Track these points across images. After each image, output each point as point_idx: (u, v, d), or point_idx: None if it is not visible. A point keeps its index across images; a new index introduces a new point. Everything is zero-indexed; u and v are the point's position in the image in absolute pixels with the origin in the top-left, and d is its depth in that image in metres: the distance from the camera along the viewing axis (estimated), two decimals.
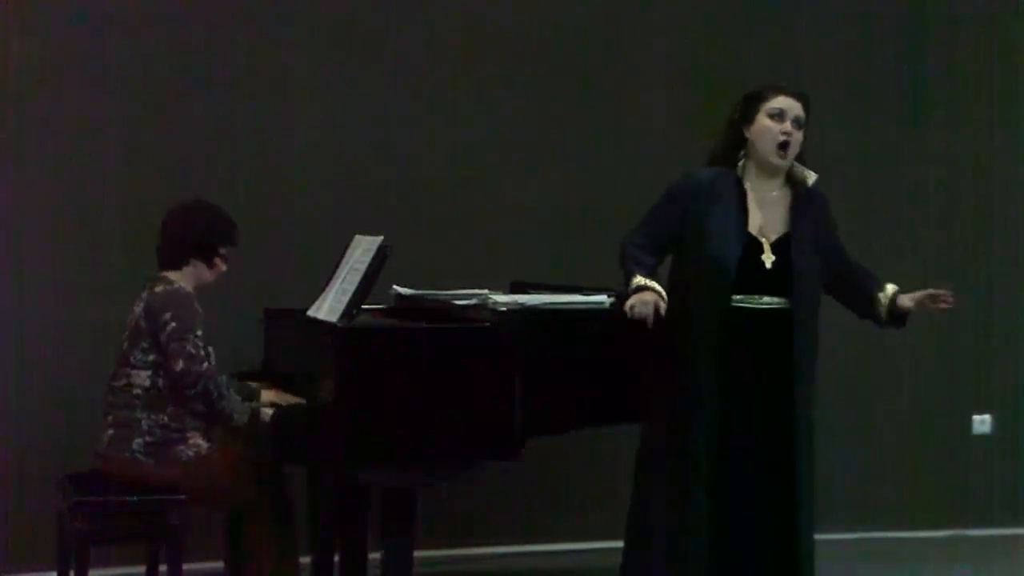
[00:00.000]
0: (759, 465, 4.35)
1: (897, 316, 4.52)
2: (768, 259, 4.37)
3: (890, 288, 4.52)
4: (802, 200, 4.47)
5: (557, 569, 5.83)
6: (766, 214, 4.42)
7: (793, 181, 4.48)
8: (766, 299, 4.36)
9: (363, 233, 4.79)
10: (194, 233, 4.60)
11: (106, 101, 5.54)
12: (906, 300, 4.49)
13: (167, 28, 5.61)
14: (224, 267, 4.67)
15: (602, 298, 4.66)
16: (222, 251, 4.64)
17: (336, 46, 5.79)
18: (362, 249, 4.70)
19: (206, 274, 4.64)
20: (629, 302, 4.30)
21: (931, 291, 4.47)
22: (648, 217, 4.48)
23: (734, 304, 4.34)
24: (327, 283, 4.79)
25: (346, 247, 4.82)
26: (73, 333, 5.40)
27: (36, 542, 5.17)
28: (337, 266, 4.79)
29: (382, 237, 4.64)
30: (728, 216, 4.37)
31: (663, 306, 4.26)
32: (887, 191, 6.38)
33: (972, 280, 6.41)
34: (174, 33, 5.61)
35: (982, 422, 6.47)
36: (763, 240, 4.38)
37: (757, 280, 4.35)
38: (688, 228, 4.39)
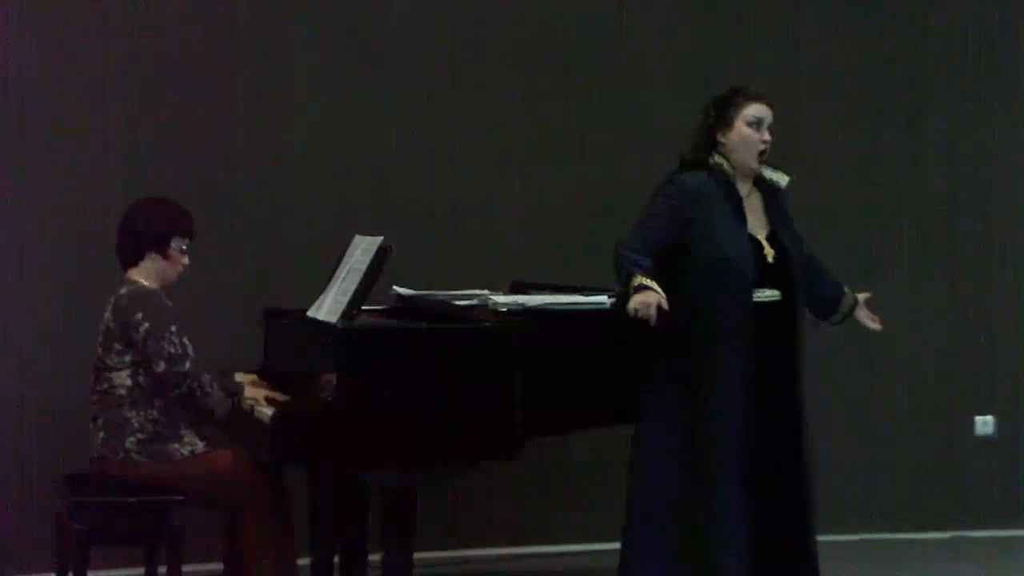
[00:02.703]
0: (775, 454, 4.47)
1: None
2: (769, 253, 4.52)
3: (848, 300, 4.78)
4: (770, 197, 4.63)
5: (557, 569, 5.82)
6: (751, 213, 4.57)
7: (758, 180, 4.62)
8: (767, 292, 4.50)
9: (363, 233, 4.79)
10: (144, 226, 4.56)
11: (106, 101, 5.54)
12: (862, 316, 4.80)
13: (167, 28, 5.60)
14: (185, 260, 4.61)
15: (602, 298, 4.66)
16: (176, 243, 4.59)
17: (336, 46, 5.79)
18: (362, 249, 4.70)
19: (166, 268, 4.59)
20: (632, 303, 4.33)
21: (869, 313, 4.81)
22: (643, 223, 4.55)
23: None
24: (327, 283, 4.79)
25: (346, 247, 4.82)
26: (73, 333, 5.39)
27: (35, 543, 5.17)
28: (337, 266, 4.79)
29: (382, 237, 4.63)
30: (729, 217, 4.50)
31: (664, 304, 4.31)
32: (887, 191, 6.37)
33: (973, 281, 6.41)
34: (174, 33, 5.61)
35: (985, 423, 6.46)
36: (759, 237, 4.54)
37: (761, 274, 4.49)
38: (692, 232, 4.48)
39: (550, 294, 4.79)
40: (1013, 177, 6.47)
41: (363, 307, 4.60)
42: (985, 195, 6.45)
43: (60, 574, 4.59)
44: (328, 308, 4.64)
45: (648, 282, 4.36)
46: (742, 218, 4.51)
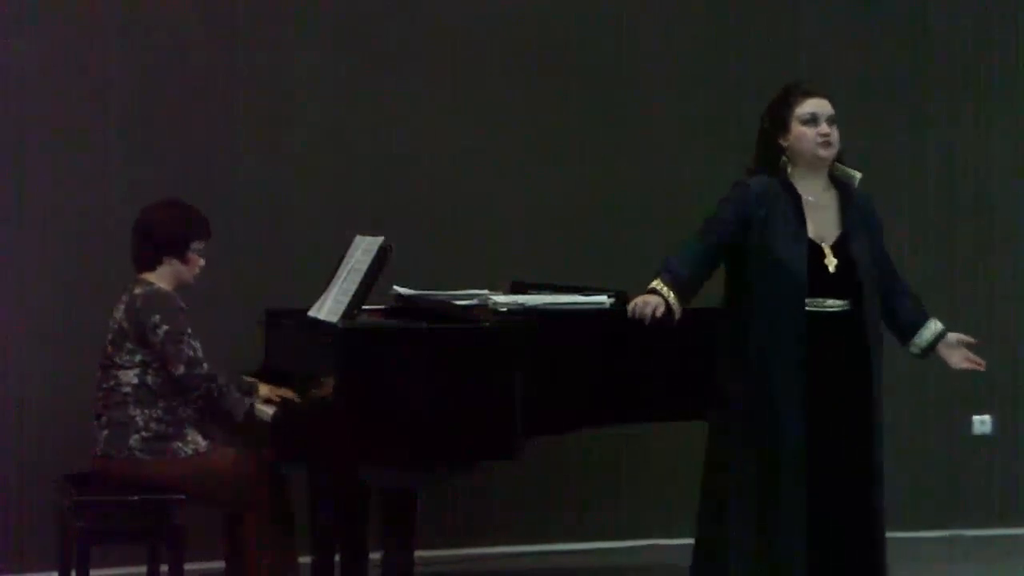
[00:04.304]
0: (839, 469, 4.36)
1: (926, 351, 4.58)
2: (831, 263, 4.33)
3: (932, 329, 4.53)
4: (849, 201, 4.44)
5: (557, 569, 5.83)
6: (819, 218, 4.38)
7: (837, 182, 4.46)
8: (830, 302, 4.32)
9: (363, 233, 4.79)
10: (164, 232, 4.59)
11: (106, 102, 5.54)
12: (952, 356, 4.55)
13: (167, 28, 5.61)
14: (202, 262, 4.65)
15: (602, 298, 4.67)
16: (195, 246, 4.62)
17: (336, 46, 5.80)
18: (363, 249, 4.71)
19: (183, 271, 4.62)
20: (632, 302, 4.29)
21: (969, 354, 4.56)
22: (705, 228, 4.37)
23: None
24: (328, 283, 4.79)
25: (347, 247, 4.82)
26: (73, 333, 5.40)
27: (37, 542, 5.18)
28: (338, 266, 4.80)
29: (383, 237, 4.64)
30: (788, 222, 4.33)
31: (661, 311, 4.20)
32: (887, 191, 6.36)
33: (972, 280, 6.41)
34: (174, 33, 5.62)
35: (982, 422, 6.47)
36: (822, 244, 4.35)
37: (822, 284, 4.32)
38: (752, 236, 4.32)
39: (550, 294, 4.80)
40: (1013, 177, 6.47)
41: (363, 307, 4.61)
42: (985, 195, 6.45)
43: (62, 573, 4.60)
44: (329, 308, 4.65)
45: (661, 287, 4.25)
46: (801, 221, 4.32)
